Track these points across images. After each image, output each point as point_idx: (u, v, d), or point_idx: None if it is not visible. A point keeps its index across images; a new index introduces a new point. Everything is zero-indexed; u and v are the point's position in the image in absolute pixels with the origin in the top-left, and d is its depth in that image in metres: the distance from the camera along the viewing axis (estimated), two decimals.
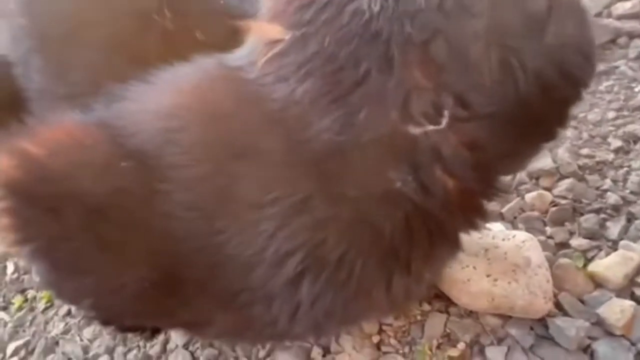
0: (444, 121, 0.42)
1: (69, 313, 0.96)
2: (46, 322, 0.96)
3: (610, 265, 0.79)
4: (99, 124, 0.53)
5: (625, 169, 0.94)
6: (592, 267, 0.80)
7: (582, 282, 0.79)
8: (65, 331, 0.93)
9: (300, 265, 0.49)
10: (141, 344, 0.88)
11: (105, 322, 0.80)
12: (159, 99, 0.53)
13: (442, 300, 0.81)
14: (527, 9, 0.43)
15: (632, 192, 0.90)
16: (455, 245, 0.56)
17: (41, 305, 0.99)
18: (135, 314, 0.59)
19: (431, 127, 0.43)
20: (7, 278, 1.07)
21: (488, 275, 0.77)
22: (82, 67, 0.63)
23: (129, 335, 0.89)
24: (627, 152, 0.97)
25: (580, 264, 0.82)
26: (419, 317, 0.81)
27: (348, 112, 0.44)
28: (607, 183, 0.92)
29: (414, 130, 0.43)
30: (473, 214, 0.55)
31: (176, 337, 0.87)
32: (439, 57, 0.41)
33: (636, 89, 1.06)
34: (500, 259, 0.78)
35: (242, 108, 0.49)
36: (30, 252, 0.52)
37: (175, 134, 0.50)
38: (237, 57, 0.52)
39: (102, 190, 0.49)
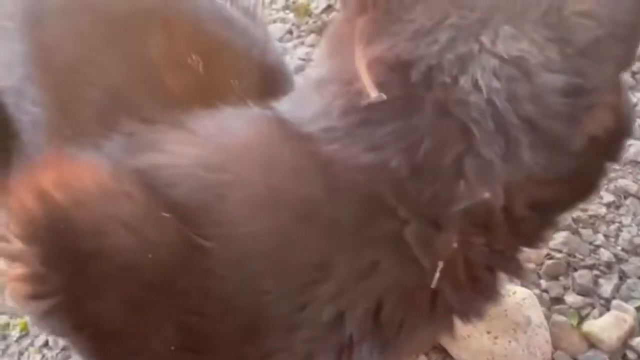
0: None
1: (46, 344, 0.91)
2: (20, 353, 0.90)
3: (604, 326, 0.80)
4: (127, 170, 0.49)
5: (617, 224, 0.96)
6: (587, 326, 0.81)
7: (577, 342, 0.81)
8: None
9: (356, 330, 0.48)
10: None
11: None
12: (205, 149, 0.51)
13: (439, 352, 0.81)
14: None
15: (623, 250, 0.92)
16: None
17: (15, 333, 0.93)
18: None
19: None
20: None
21: (488, 333, 0.77)
22: (93, 104, 0.59)
23: None
24: (618, 207, 0.99)
25: (575, 321, 0.83)
26: None
27: (444, 185, 0.44)
28: (600, 238, 0.94)
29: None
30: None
31: None
32: None
33: (628, 143, 1.08)
34: (501, 316, 0.78)
35: (308, 170, 0.47)
36: (48, 309, 0.47)
37: (226, 189, 0.47)
38: (302, 113, 0.50)
39: (138, 245, 0.45)
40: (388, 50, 0.45)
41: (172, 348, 0.47)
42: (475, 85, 0.43)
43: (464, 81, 0.43)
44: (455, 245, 0.46)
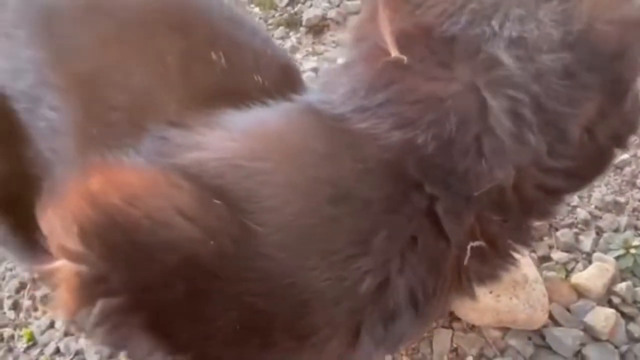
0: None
1: (57, 351, 0.90)
2: None
3: (589, 277, 0.88)
4: (170, 168, 0.51)
5: None
6: (574, 279, 0.89)
7: (567, 293, 0.88)
8: None
9: (399, 299, 0.52)
10: None
11: None
12: (244, 142, 0.53)
13: (447, 315, 0.87)
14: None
15: (597, 207, 1.01)
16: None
17: (22, 344, 0.92)
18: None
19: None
20: None
21: (491, 292, 0.83)
22: (120, 107, 0.60)
23: None
24: None
25: (563, 275, 0.91)
26: (425, 334, 0.86)
27: (469, 163, 0.48)
28: (575, 199, 1.02)
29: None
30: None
31: None
32: None
33: None
34: None
35: (339, 153, 0.50)
36: (111, 308, 0.47)
37: (266, 176, 0.50)
38: (331, 97, 0.53)
39: (199, 233, 0.46)
40: (413, 22, 0.49)
41: (237, 327, 0.49)
42: (491, 64, 0.47)
43: (482, 59, 0.47)
44: (475, 220, 0.51)
